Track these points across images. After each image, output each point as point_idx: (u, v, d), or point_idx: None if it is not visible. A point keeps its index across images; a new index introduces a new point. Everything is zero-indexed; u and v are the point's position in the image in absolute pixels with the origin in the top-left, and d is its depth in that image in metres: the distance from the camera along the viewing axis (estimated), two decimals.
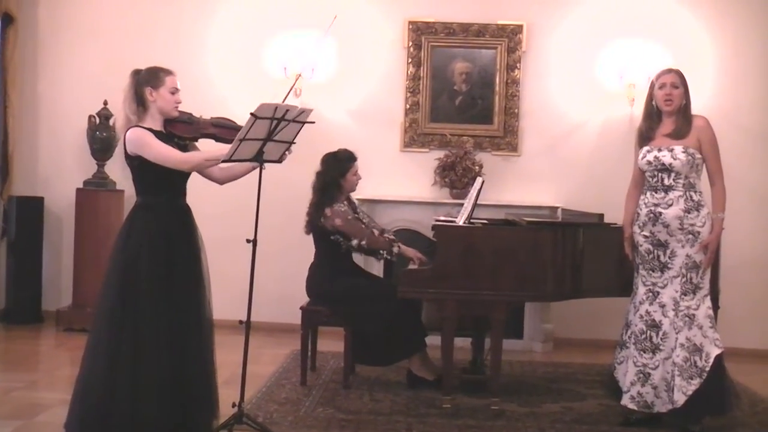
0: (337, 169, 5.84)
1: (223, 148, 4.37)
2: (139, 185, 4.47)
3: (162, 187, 4.42)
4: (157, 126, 4.44)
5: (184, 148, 4.50)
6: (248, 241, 4.57)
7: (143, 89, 4.41)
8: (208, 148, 4.61)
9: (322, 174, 5.86)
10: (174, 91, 4.45)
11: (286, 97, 4.74)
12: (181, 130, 4.50)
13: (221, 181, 4.74)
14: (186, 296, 4.42)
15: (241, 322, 4.59)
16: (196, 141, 4.63)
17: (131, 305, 4.27)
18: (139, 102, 4.43)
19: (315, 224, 5.79)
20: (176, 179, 4.45)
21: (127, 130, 4.37)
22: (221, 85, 7.61)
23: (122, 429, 4.22)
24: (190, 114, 4.55)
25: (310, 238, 5.93)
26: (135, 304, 4.27)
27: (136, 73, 4.46)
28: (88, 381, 4.30)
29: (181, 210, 4.52)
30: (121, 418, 4.21)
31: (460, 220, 5.52)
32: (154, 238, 4.35)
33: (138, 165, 4.38)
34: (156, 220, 4.39)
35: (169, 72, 4.47)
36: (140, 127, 4.36)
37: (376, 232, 5.87)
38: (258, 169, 4.56)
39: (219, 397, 4.60)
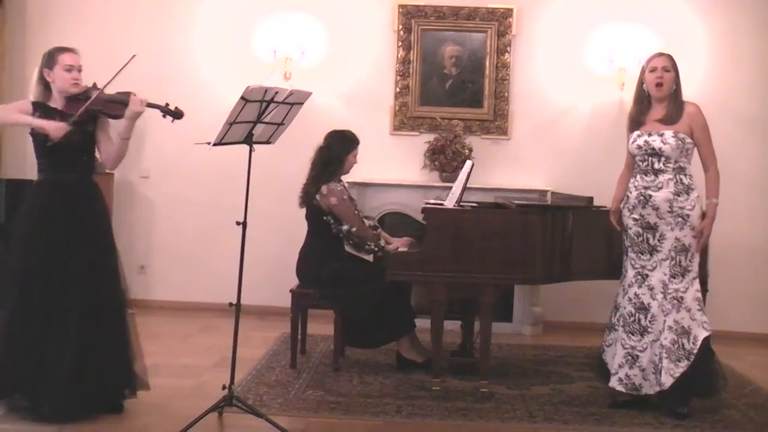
0: (343, 147, 5.75)
1: (49, 123, 4.37)
2: (37, 161, 4.55)
3: (51, 162, 4.47)
4: (59, 104, 4.50)
5: (78, 126, 4.44)
6: (238, 223, 4.57)
7: (43, 71, 4.50)
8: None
9: (326, 149, 5.77)
10: (69, 69, 4.47)
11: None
12: (69, 107, 4.50)
13: (108, 167, 4.81)
14: (90, 271, 4.44)
15: (231, 304, 4.59)
16: (92, 117, 4.57)
17: (32, 284, 4.33)
18: (45, 84, 4.51)
19: (310, 199, 5.72)
20: (63, 154, 4.44)
21: None
22: (210, 69, 7.58)
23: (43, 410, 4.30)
24: (89, 89, 4.55)
25: (300, 220, 5.90)
26: (36, 281, 4.33)
27: (43, 56, 4.54)
28: None
29: (79, 186, 4.52)
30: (30, 398, 4.32)
31: (450, 203, 5.53)
32: (49, 214, 4.40)
33: (32, 141, 4.48)
34: (50, 196, 4.43)
35: (63, 50, 4.52)
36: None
37: (368, 222, 5.87)
38: (249, 152, 4.56)
39: (134, 369, 4.65)
